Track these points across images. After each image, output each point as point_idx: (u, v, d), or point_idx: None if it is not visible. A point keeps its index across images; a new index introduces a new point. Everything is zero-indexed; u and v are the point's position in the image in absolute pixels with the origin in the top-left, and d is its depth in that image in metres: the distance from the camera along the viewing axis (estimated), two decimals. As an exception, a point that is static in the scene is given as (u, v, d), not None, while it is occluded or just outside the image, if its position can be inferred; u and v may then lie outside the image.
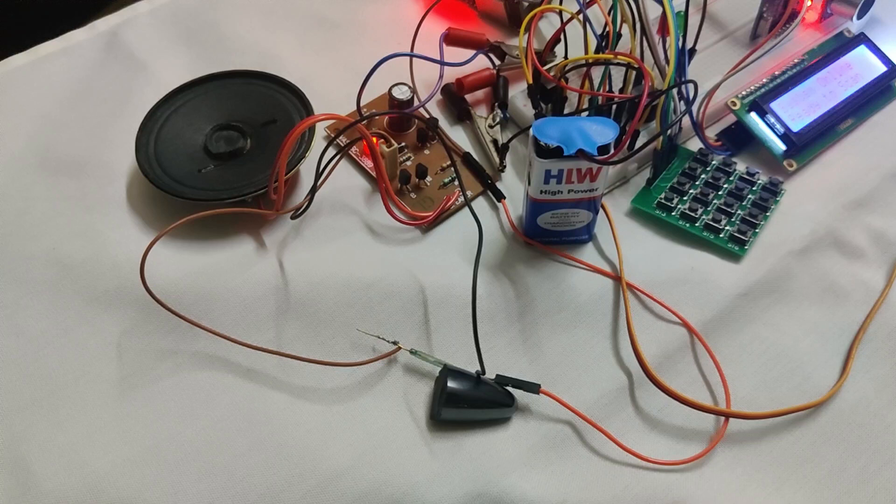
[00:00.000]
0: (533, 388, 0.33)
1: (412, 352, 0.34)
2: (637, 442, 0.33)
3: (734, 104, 0.42)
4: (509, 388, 0.33)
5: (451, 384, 0.32)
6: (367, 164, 0.42)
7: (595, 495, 0.31)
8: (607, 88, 0.40)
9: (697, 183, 0.40)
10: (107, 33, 0.48)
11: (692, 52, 0.41)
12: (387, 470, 0.32)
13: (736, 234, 0.39)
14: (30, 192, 0.41)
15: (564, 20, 0.41)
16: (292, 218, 0.39)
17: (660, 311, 0.37)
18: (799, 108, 0.42)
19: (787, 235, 0.39)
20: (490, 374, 0.34)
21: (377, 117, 0.43)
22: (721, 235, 0.39)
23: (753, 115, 0.42)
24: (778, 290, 0.37)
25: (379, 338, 0.35)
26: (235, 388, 0.34)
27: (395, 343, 0.34)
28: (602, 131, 0.34)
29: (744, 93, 0.42)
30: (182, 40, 0.48)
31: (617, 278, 0.38)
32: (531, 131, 0.34)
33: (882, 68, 0.44)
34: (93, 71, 0.46)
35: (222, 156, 0.40)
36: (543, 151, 0.34)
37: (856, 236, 0.39)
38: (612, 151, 0.34)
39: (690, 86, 0.38)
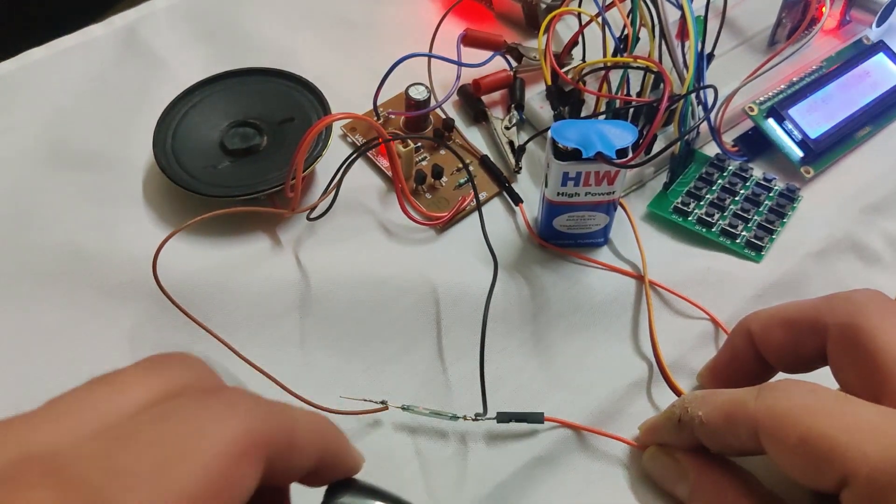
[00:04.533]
0: (537, 417, 0.32)
1: (403, 408, 0.32)
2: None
3: (752, 110, 0.42)
4: (514, 422, 0.32)
5: None
6: (383, 163, 0.42)
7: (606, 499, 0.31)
8: (625, 92, 0.40)
9: (714, 188, 0.40)
10: (124, 29, 0.48)
11: (710, 56, 0.41)
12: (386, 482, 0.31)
13: (752, 240, 0.38)
14: (46, 184, 0.41)
15: (583, 23, 0.41)
16: (310, 219, 0.39)
17: (675, 312, 0.36)
18: (817, 115, 0.42)
19: (804, 239, 0.39)
20: (492, 411, 0.32)
21: (393, 117, 0.43)
22: (738, 241, 0.39)
23: (771, 121, 0.42)
24: (794, 294, 0.37)
25: (364, 400, 0.33)
26: (241, 386, 0.34)
27: (382, 403, 0.32)
28: (620, 135, 0.34)
29: (761, 98, 0.42)
30: (199, 37, 0.48)
31: (636, 276, 0.37)
32: (549, 133, 0.34)
33: (901, 76, 0.44)
34: (110, 66, 0.46)
35: (238, 152, 0.40)
36: (561, 154, 0.34)
37: (872, 241, 0.39)
38: (630, 155, 0.34)
39: (710, 91, 0.38)
